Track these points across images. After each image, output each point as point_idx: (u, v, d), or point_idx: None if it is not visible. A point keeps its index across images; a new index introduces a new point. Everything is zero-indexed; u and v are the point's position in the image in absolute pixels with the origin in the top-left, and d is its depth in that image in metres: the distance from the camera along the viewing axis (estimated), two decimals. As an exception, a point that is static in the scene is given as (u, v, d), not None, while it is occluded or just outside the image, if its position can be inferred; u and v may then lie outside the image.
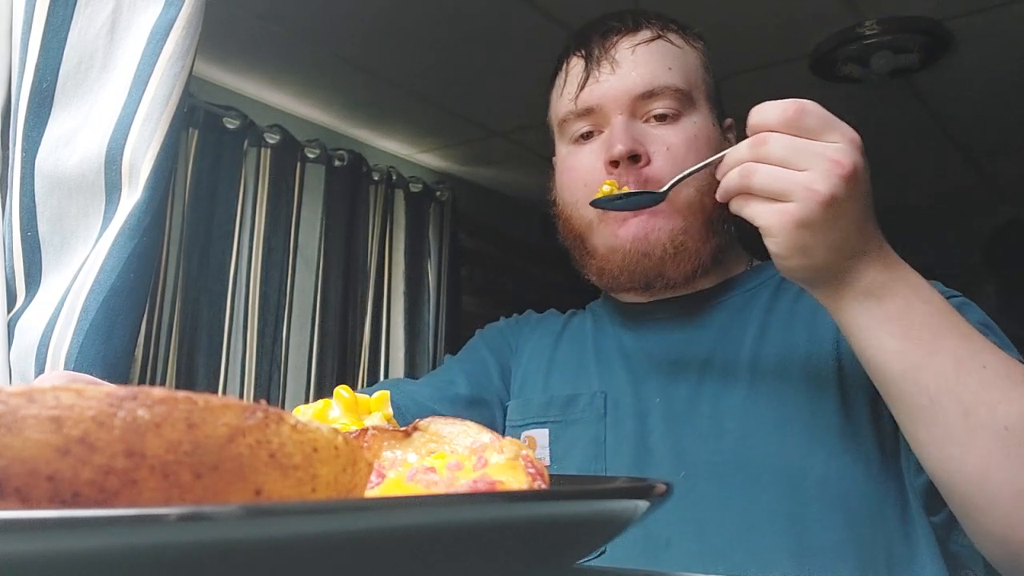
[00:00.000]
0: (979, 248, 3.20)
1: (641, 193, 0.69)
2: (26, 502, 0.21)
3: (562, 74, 0.82)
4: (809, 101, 0.54)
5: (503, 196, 2.96)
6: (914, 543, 0.64)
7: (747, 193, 0.56)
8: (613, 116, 0.75)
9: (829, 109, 0.56)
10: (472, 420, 0.82)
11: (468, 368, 0.87)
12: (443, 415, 0.77)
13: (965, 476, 0.53)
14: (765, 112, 0.55)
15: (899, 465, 0.66)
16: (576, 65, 0.79)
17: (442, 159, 2.60)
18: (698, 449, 0.71)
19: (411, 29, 1.76)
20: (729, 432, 0.70)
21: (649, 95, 0.74)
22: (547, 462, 0.78)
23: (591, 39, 0.79)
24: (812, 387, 0.69)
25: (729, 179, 0.57)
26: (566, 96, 0.79)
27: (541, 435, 0.80)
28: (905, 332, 0.54)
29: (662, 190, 0.67)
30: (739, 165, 0.56)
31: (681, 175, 0.66)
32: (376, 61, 1.92)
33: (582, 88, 0.77)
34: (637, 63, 0.75)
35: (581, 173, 0.77)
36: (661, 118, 0.75)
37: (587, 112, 0.77)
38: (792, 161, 0.53)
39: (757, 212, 0.55)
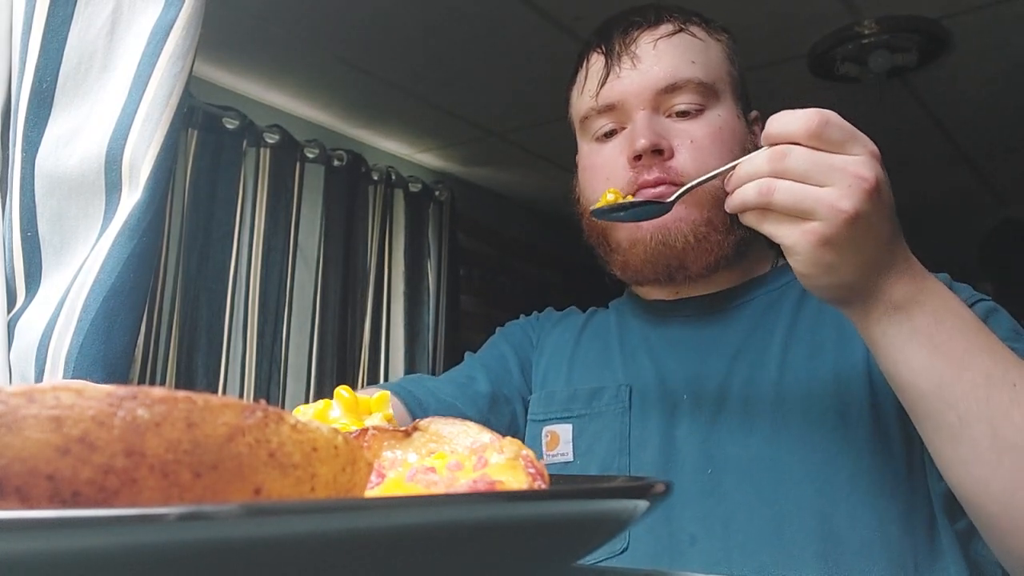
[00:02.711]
0: (976, 248, 3.20)
1: (646, 203, 0.66)
2: (26, 501, 0.21)
3: (582, 71, 0.81)
4: (831, 111, 0.52)
5: (501, 196, 2.97)
6: (939, 546, 0.64)
7: (765, 208, 0.53)
8: (635, 112, 0.74)
9: (827, 108, 0.55)
10: (493, 417, 0.82)
11: (488, 364, 0.86)
12: (464, 412, 0.77)
13: (991, 497, 0.52)
14: (786, 122, 0.52)
15: (925, 467, 0.65)
16: (597, 61, 0.78)
17: (441, 159, 2.60)
18: (726, 446, 0.70)
19: (410, 30, 1.76)
20: (758, 429, 0.69)
21: (671, 89, 0.73)
22: (571, 458, 0.78)
23: (612, 34, 0.78)
24: (841, 385, 0.68)
25: (745, 194, 0.53)
26: (587, 93, 0.78)
27: (564, 430, 0.79)
28: (935, 347, 0.52)
29: (668, 200, 0.63)
30: (756, 178, 0.53)
31: (687, 187, 0.63)
32: (375, 62, 1.92)
33: (603, 84, 0.76)
34: (659, 57, 0.74)
35: (603, 170, 0.76)
36: (684, 114, 0.74)
37: (608, 108, 0.76)
38: (815, 176, 0.50)
39: (780, 231, 0.52)
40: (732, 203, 0.55)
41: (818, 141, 0.51)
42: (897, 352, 0.54)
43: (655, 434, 0.74)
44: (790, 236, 0.52)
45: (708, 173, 0.64)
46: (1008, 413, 0.51)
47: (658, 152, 0.71)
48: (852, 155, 0.51)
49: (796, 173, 0.51)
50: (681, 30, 0.76)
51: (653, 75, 0.73)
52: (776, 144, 0.52)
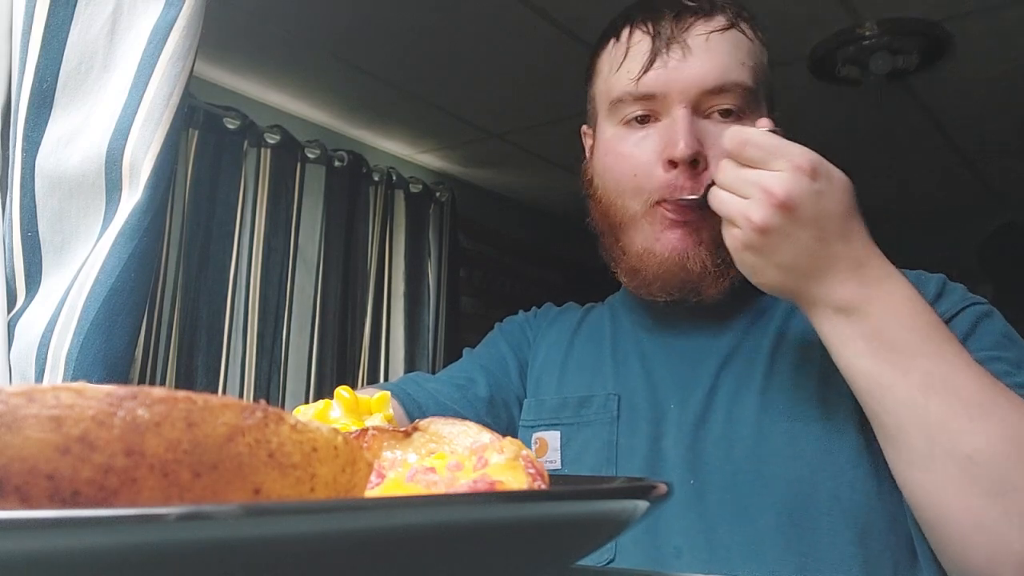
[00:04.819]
0: (976, 250, 3.20)
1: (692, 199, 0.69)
2: (26, 501, 0.21)
3: (619, 46, 0.74)
4: (756, 131, 0.58)
5: (502, 197, 2.97)
6: (917, 560, 0.63)
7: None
8: (675, 107, 0.69)
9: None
10: (491, 420, 0.81)
11: (488, 367, 0.85)
12: (463, 416, 0.77)
13: (927, 501, 0.53)
14: (724, 139, 0.59)
15: None
16: (641, 41, 0.72)
17: (441, 160, 2.60)
18: (710, 456, 0.69)
19: (411, 31, 1.76)
20: (741, 440, 0.68)
21: (718, 90, 0.69)
22: (559, 465, 0.77)
23: (662, 16, 0.72)
24: (827, 398, 0.67)
25: None
26: (624, 74, 0.72)
27: (553, 437, 0.78)
28: (875, 351, 0.54)
29: (701, 196, 0.65)
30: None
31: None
32: (376, 62, 1.92)
33: (646, 70, 0.70)
34: (711, 53, 0.70)
35: (632, 164, 0.71)
36: (725, 114, 0.70)
37: (647, 97, 0.71)
38: (736, 188, 0.57)
39: (723, 230, 0.60)
40: None
41: (741, 159, 0.57)
42: (839, 352, 0.57)
43: (642, 444, 0.73)
44: (725, 237, 0.59)
45: None
46: (944, 421, 0.51)
47: (693, 162, 0.68)
48: (771, 170, 0.55)
49: (725, 184, 0.58)
50: (734, 25, 0.72)
51: (703, 72, 0.69)
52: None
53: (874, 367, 0.54)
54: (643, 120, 0.72)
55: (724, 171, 0.58)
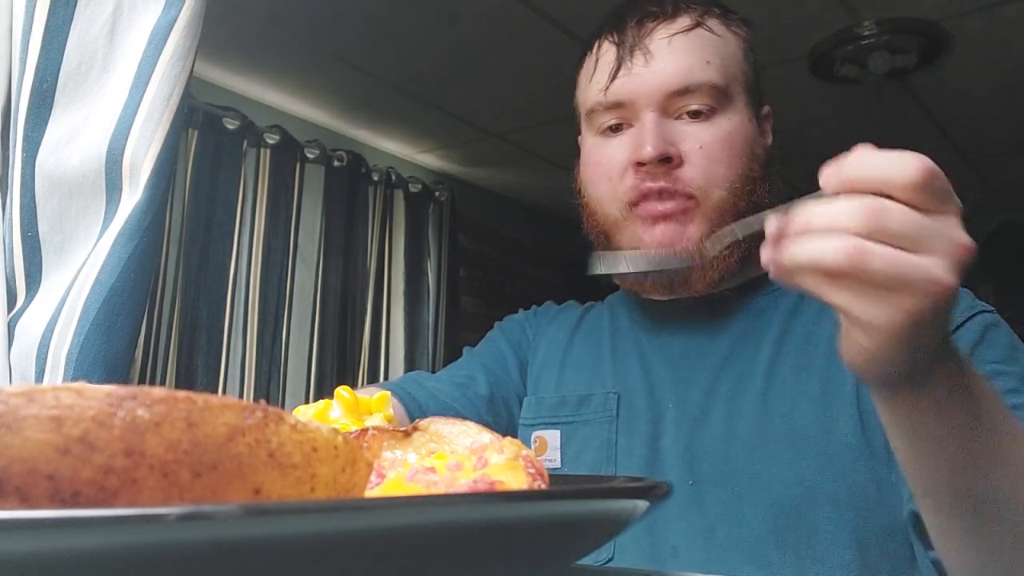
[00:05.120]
0: (975, 250, 3.20)
1: (666, 271, 0.66)
2: (26, 501, 0.21)
3: (591, 58, 0.77)
4: (927, 161, 0.41)
5: (502, 196, 2.97)
6: (916, 562, 0.63)
7: (845, 274, 0.40)
8: (643, 112, 0.71)
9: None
10: (492, 418, 0.80)
11: (488, 365, 0.85)
12: (463, 415, 0.77)
13: (981, 572, 0.51)
14: (880, 167, 0.40)
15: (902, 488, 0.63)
16: (608, 51, 0.74)
17: (441, 160, 2.60)
18: (708, 456, 0.69)
19: (411, 31, 1.76)
20: (740, 440, 0.68)
21: (684, 91, 0.70)
22: (558, 464, 0.77)
23: (625, 23, 0.74)
24: (828, 401, 0.67)
25: (823, 253, 0.40)
26: (595, 85, 0.74)
27: (552, 436, 0.78)
28: (966, 442, 0.46)
29: (687, 264, 0.63)
30: (839, 233, 0.39)
31: (718, 242, 0.53)
32: (376, 62, 1.92)
33: (612, 79, 0.72)
34: (674, 55, 0.70)
35: (606, 169, 0.73)
36: (695, 115, 0.70)
37: (616, 105, 0.72)
38: (917, 241, 0.39)
39: (858, 305, 0.40)
40: (797, 259, 0.41)
41: (922, 198, 0.39)
42: (924, 442, 0.47)
43: (641, 443, 0.73)
44: (876, 312, 0.40)
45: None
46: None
47: (666, 160, 0.69)
48: (947, 216, 0.40)
49: (895, 236, 0.39)
50: (698, 24, 0.72)
51: (666, 75, 0.70)
52: (856, 190, 0.40)
53: (966, 457, 0.46)
54: (616, 128, 0.74)
55: (897, 216, 0.39)
